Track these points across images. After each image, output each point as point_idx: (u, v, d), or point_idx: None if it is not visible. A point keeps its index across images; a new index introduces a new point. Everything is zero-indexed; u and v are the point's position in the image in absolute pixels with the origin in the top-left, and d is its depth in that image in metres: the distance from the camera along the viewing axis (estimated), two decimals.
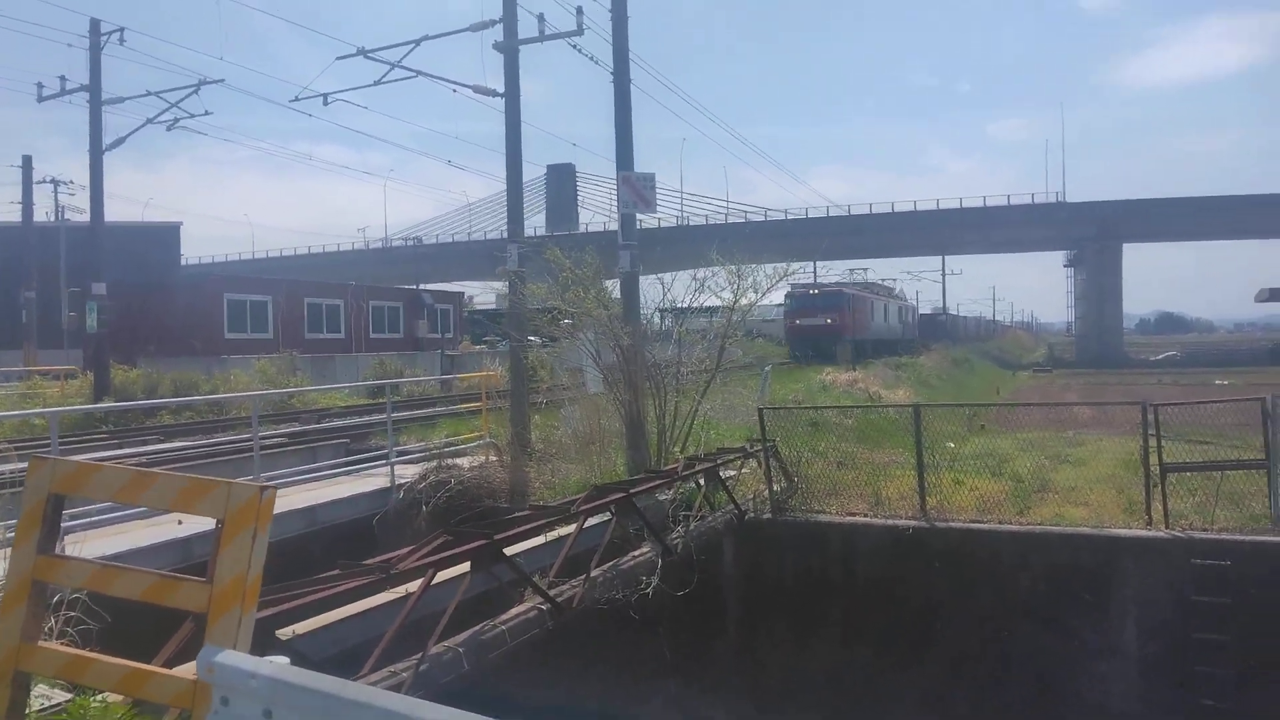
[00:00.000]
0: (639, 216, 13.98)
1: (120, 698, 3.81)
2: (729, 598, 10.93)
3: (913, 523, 10.62)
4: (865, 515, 11.07)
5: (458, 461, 12.42)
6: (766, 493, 11.47)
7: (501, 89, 14.70)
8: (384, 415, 14.41)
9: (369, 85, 19.34)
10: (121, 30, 23.62)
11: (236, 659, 2.96)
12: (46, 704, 4.00)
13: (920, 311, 72.49)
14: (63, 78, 24.22)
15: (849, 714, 10.02)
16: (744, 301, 13.51)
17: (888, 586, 10.41)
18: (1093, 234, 70.85)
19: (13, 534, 6.26)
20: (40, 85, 24.80)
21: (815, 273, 52.24)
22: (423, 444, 13.82)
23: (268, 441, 13.56)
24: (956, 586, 10.14)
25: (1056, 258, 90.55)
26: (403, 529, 10.64)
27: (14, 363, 32.67)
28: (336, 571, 5.62)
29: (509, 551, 6.97)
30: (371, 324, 42.62)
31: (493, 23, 14.85)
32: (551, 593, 7.26)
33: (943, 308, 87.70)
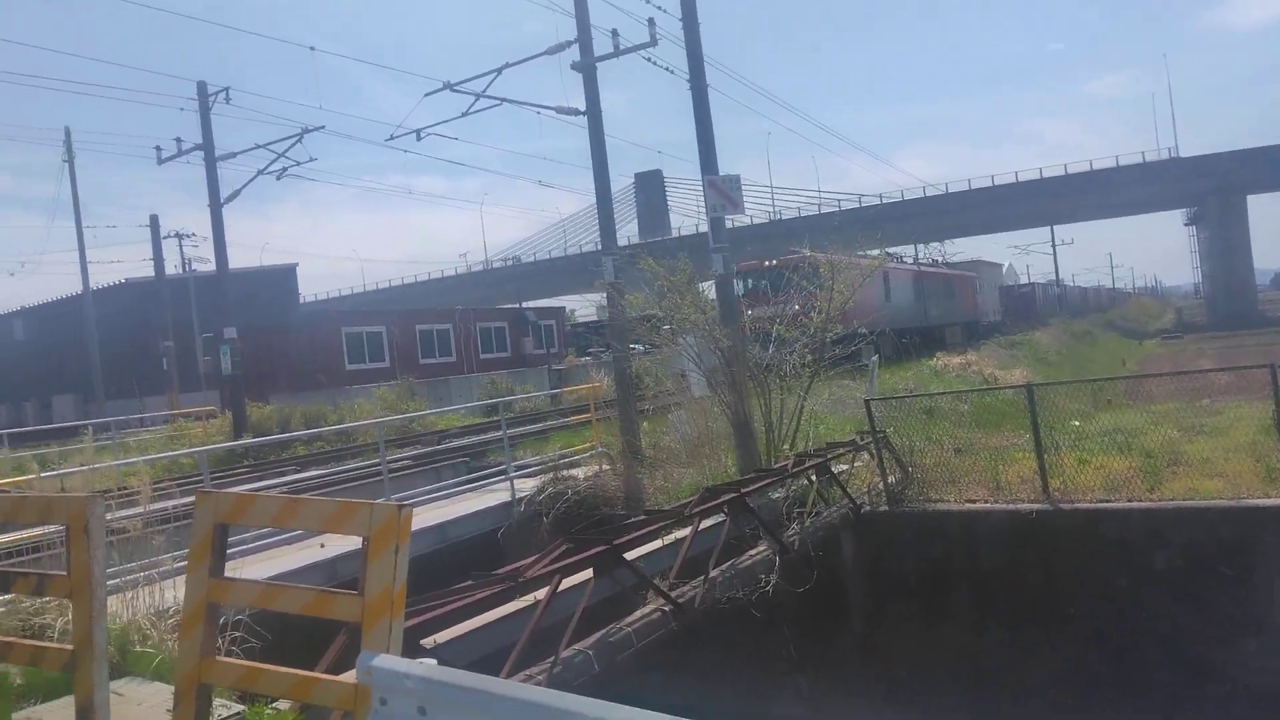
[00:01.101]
0: (728, 218, 14.09)
1: (289, 704, 4.19)
2: (851, 591, 10.88)
3: (1035, 506, 10.35)
4: (985, 501, 10.84)
5: (572, 472, 12.77)
6: (881, 485, 11.38)
7: (583, 106, 15.07)
8: (499, 433, 14.92)
9: (457, 117, 20.04)
10: (226, 90, 25.19)
11: (391, 662, 3.25)
12: (225, 713, 4.41)
13: (1007, 284, 64.36)
14: (178, 139, 25.99)
15: (983, 700, 9.84)
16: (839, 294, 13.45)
17: (1013, 571, 10.18)
18: (1213, 187, 66.77)
19: (182, 563, 6.87)
20: (159, 149, 26.63)
21: (916, 255, 50.89)
22: (538, 458, 14.25)
23: (395, 465, 14.25)
24: (1086, 568, 9.83)
25: (1175, 217, 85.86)
26: (526, 540, 11.04)
27: (159, 408, 35.12)
28: (469, 583, 5.95)
29: (629, 556, 7.19)
30: (480, 345, 43.92)
31: (568, 44, 15.24)
32: (673, 594, 7.44)
33: (1056, 279, 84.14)
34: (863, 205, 75.01)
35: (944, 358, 29.18)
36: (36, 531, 6.79)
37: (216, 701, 4.46)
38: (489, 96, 19.80)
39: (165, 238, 40.32)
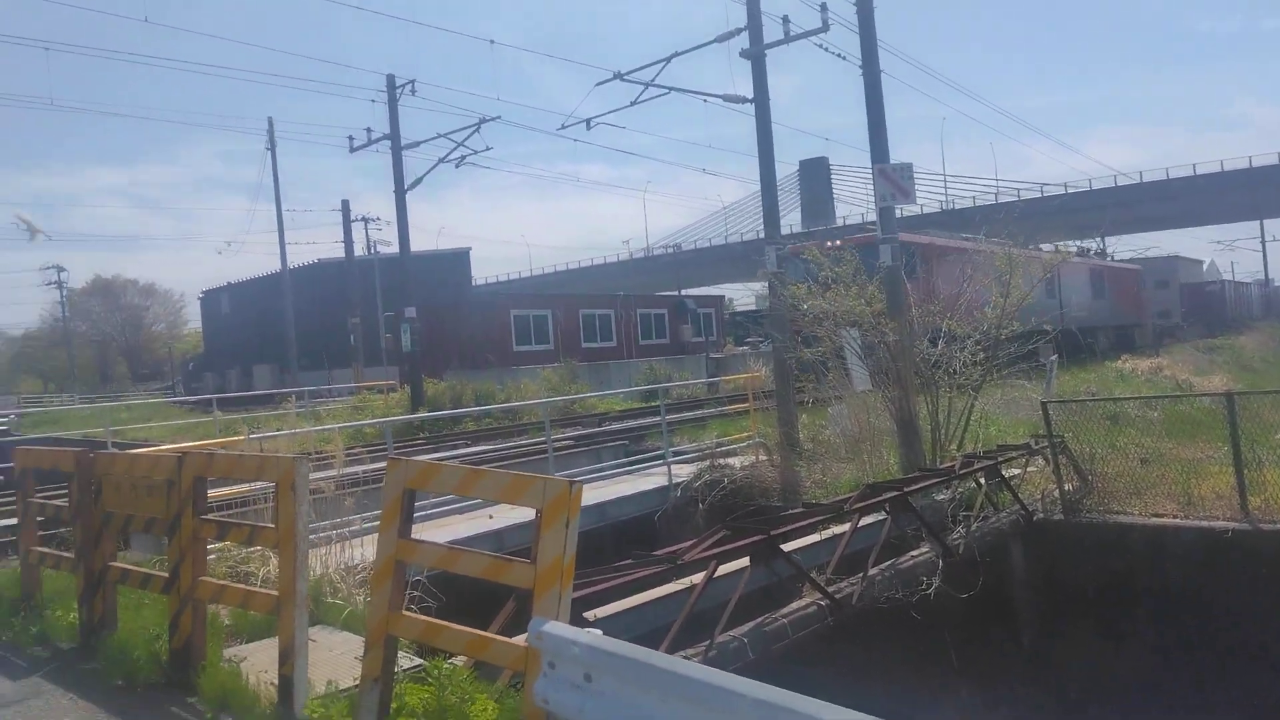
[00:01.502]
0: (898, 207, 13.66)
1: (464, 660, 4.47)
2: (1019, 601, 10.38)
3: (1232, 525, 9.51)
4: (1174, 516, 10.06)
5: (729, 461, 12.81)
6: (1057, 492, 10.77)
7: (749, 94, 14.98)
8: (657, 419, 15.15)
9: (625, 106, 20.34)
10: (412, 83, 26.67)
11: (560, 629, 3.42)
12: (407, 664, 4.75)
13: (1192, 282, 55.84)
14: (369, 129, 27.80)
15: None
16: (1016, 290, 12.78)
17: (1204, 595, 9.39)
18: None
19: (369, 523, 7.41)
20: (351, 138, 28.58)
21: (1104, 249, 47.28)
22: (695, 445, 14.37)
23: (558, 444, 14.75)
24: None
25: None
26: (681, 525, 11.18)
27: (344, 380, 37.79)
28: (629, 561, 6.12)
29: (785, 548, 7.17)
30: (640, 331, 44.63)
31: (737, 31, 15.17)
32: (830, 589, 7.36)
33: (1264, 278, 76.34)
34: (1045, 195, 70.59)
35: (1131, 360, 27.19)
36: (243, 488, 7.50)
37: (399, 653, 4.81)
38: (657, 85, 20.02)
39: (354, 221, 43.20)
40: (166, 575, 5.28)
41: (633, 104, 20.86)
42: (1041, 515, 10.53)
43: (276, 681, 4.56)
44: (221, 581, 5.39)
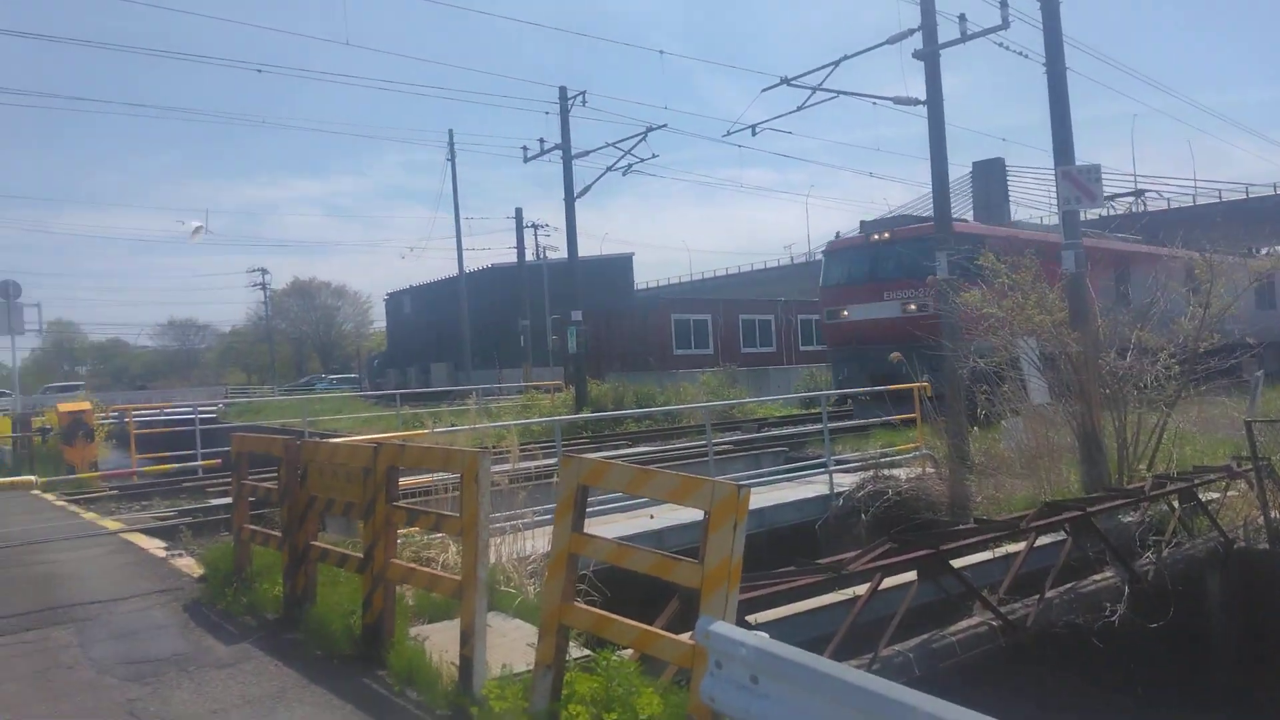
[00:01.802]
0: (1084, 211, 12.88)
1: (630, 654, 4.62)
2: (1215, 636, 9.56)
3: None
4: None
5: (893, 472, 12.48)
6: (1261, 519, 9.85)
7: (921, 95, 14.53)
8: (817, 425, 14.95)
9: (791, 111, 20.27)
10: (583, 94, 27.52)
11: (727, 629, 3.49)
12: (576, 654, 4.96)
13: None
14: (541, 140, 28.95)
15: None
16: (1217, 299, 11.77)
17: None
18: None
19: (541, 517, 7.74)
20: (525, 149, 29.85)
21: None
22: (858, 454, 14.09)
23: (717, 448, 14.84)
24: None
25: None
26: (842, 535, 11.00)
27: (514, 379, 39.44)
28: (791, 569, 6.12)
29: (955, 564, 6.95)
30: (800, 336, 44.08)
31: (910, 32, 14.74)
32: (1003, 610, 7.07)
33: None
34: (1251, 196, 64.24)
35: None
36: (425, 478, 8.01)
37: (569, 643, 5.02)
38: (825, 89, 19.80)
39: (525, 228, 44.99)
40: (361, 556, 5.73)
41: (799, 109, 20.72)
42: (1243, 544, 9.66)
43: (457, 661, 4.87)
44: (409, 564, 5.80)
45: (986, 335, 12.72)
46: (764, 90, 20.48)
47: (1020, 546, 7.73)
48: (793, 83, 19.90)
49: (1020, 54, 14.22)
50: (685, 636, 3.97)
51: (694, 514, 9.56)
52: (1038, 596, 7.44)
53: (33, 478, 9.75)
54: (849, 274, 20.47)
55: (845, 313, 20.08)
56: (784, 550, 10.25)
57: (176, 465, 11.53)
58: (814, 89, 20.10)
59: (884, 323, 18.90)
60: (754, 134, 21.72)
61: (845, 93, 19.36)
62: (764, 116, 21.94)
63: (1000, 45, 14.32)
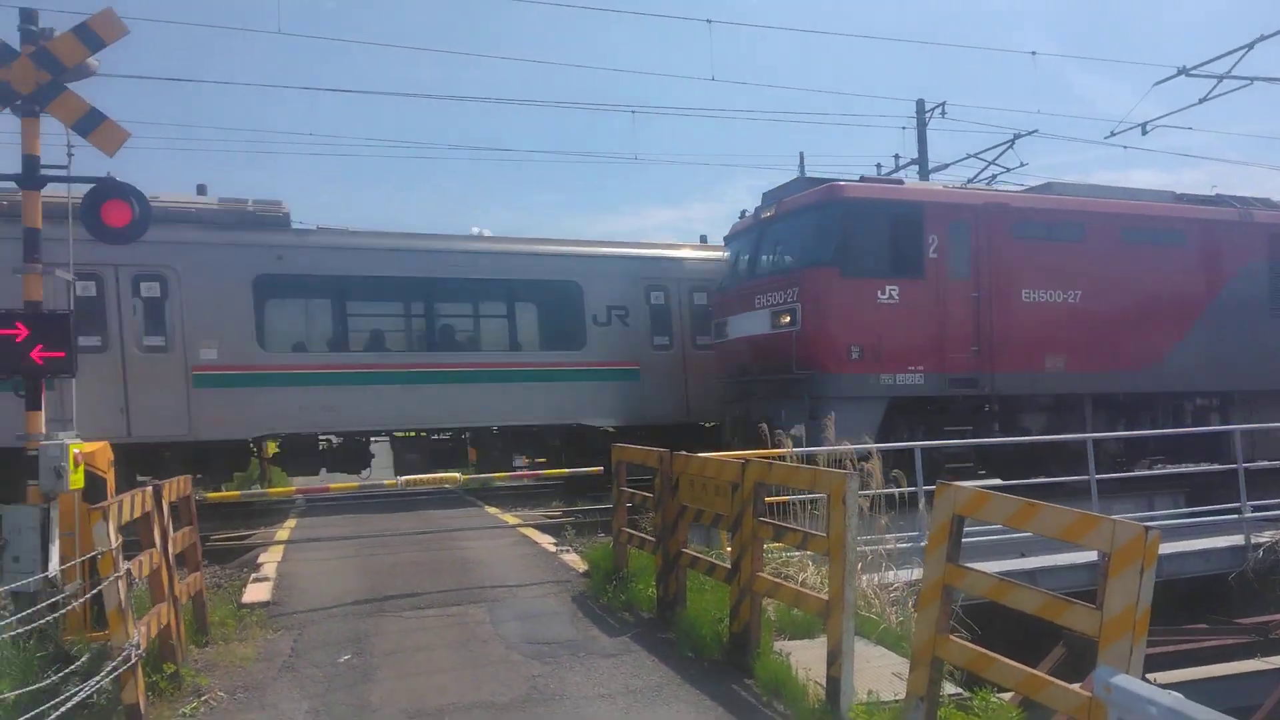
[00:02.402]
0: None
1: (1010, 697, 4.36)
2: None
3: None
4: None
5: None
6: None
7: None
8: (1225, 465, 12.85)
9: (1191, 105, 18.21)
10: (942, 105, 26.42)
11: (1134, 684, 3.17)
12: (949, 690, 4.78)
13: None
14: (896, 156, 28.32)
15: None
16: None
17: None
18: None
19: (902, 545, 7.57)
20: (878, 165, 29.30)
21: None
22: None
23: (1101, 482, 13.35)
24: None
25: None
26: (1262, 594, 9.38)
27: None
28: (1203, 626, 5.37)
29: None
30: None
31: None
32: None
33: None
34: None
35: None
36: (782, 496, 8.17)
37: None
38: (1234, 77, 17.55)
39: None
40: (729, 566, 6.02)
41: (1201, 101, 18.48)
42: None
43: (822, 680, 4.92)
44: (775, 579, 5.97)
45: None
46: (1156, 84, 18.80)
47: None
48: (1192, 72, 17.93)
49: None
50: (1078, 686, 3.67)
51: (1077, 555, 8.72)
52: None
53: (457, 474, 11.46)
54: (735, 270, 14.50)
55: (728, 328, 14.06)
56: (1184, 604, 8.96)
57: (568, 471, 12.95)
58: (1220, 77, 17.85)
59: (759, 342, 12.98)
60: (1144, 133, 19.87)
61: (1260, 79, 16.99)
62: (1157, 113, 19.76)
63: None
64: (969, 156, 26.68)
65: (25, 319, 6.17)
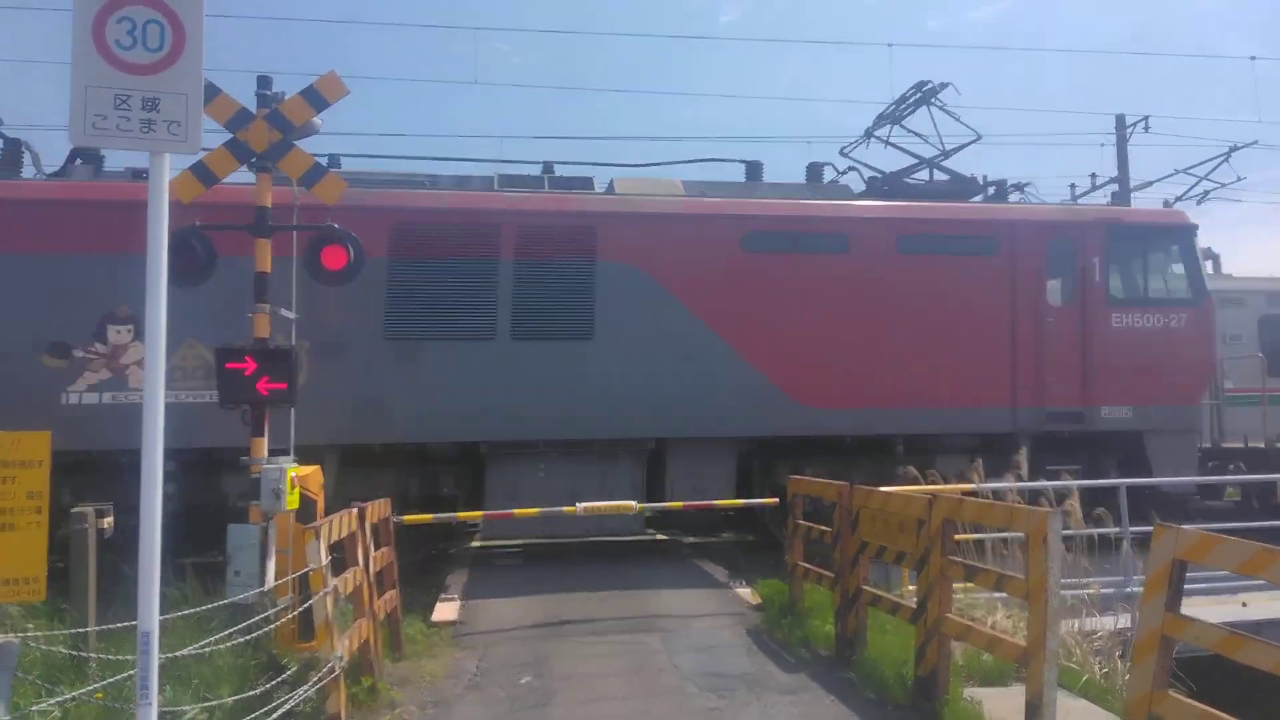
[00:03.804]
0: None
1: None
2: None
3: None
4: None
5: None
6: None
7: None
8: None
9: None
10: (1145, 119, 24.56)
11: None
12: None
13: None
14: (1093, 175, 26.55)
15: None
16: None
17: None
18: None
19: (1105, 590, 6.98)
20: (1073, 186, 27.64)
21: None
22: None
23: None
24: None
25: None
26: None
27: None
28: None
29: None
30: None
31: None
32: None
33: None
34: None
35: None
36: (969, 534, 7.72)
37: None
38: None
39: None
40: (914, 605, 5.73)
41: None
42: None
43: None
44: (966, 621, 5.63)
45: None
46: None
47: None
48: None
49: None
50: None
51: None
52: None
53: (633, 503, 11.57)
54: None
55: None
56: None
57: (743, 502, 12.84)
58: None
59: None
60: None
61: None
62: None
63: None
64: (1176, 172, 24.65)
65: (254, 353, 6.79)
